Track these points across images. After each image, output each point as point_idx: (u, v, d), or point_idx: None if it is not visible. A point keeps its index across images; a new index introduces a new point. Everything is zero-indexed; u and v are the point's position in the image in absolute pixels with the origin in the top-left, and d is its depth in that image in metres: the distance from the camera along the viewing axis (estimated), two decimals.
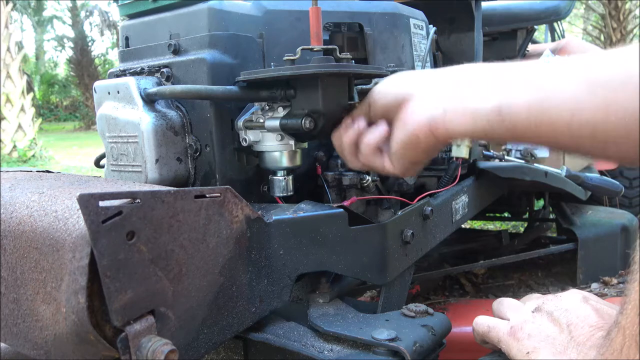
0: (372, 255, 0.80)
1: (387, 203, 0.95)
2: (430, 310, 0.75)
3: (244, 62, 0.83)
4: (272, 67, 0.85)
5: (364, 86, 0.82)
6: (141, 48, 0.90)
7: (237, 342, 0.76)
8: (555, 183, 1.44)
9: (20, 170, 0.79)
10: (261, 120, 0.79)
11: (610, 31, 10.02)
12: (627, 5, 10.00)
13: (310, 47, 0.74)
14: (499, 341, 0.65)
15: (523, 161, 1.39)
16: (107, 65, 19.35)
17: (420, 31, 1.09)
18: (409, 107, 0.64)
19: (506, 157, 1.36)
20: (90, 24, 19.70)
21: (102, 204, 0.48)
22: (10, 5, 8.94)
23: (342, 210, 0.76)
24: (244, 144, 0.81)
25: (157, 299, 0.53)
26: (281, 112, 0.78)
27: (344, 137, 0.73)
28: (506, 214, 2.28)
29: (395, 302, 0.87)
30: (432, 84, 0.63)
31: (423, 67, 1.06)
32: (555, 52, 2.10)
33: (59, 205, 0.56)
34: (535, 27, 2.17)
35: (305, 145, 0.83)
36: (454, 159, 1.05)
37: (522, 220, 2.29)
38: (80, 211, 0.47)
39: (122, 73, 0.90)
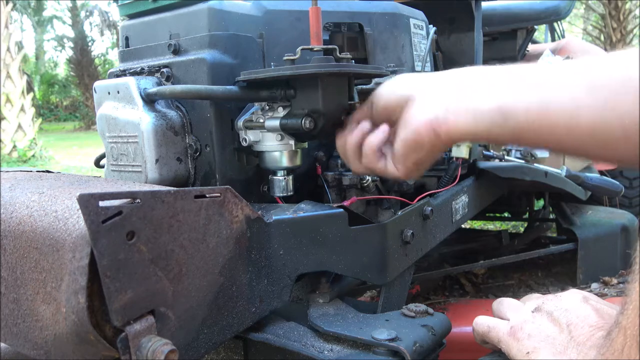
0: (372, 255, 0.80)
1: (387, 203, 0.95)
2: (430, 310, 0.75)
3: (244, 62, 0.83)
4: (272, 67, 0.85)
5: (364, 86, 0.82)
6: (141, 48, 0.90)
7: (237, 342, 0.76)
8: (555, 183, 1.44)
9: (20, 170, 0.79)
10: (261, 120, 0.79)
11: (610, 31, 10.03)
12: (627, 5, 10.00)
13: (310, 47, 0.74)
14: (499, 341, 0.65)
15: (523, 161, 1.39)
16: (107, 65, 19.35)
17: (420, 31, 1.09)
18: (411, 108, 0.64)
19: (506, 157, 1.36)
20: (90, 24, 19.71)
21: (102, 204, 0.48)
22: (10, 5, 8.94)
23: (342, 210, 0.76)
24: (244, 144, 0.81)
25: (157, 299, 0.53)
26: (281, 112, 0.78)
27: (347, 141, 0.73)
28: (506, 214, 2.28)
29: (395, 302, 0.87)
30: (435, 86, 0.64)
31: (423, 67, 1.06)
32: (555, 52, 2.10)
33: (59, 205, 0.56)
34: (535, 27, 2.17)
35: (305, 145, 0.83)
36: (454, 159, 1.05)
37: (522, 220, 2.29)
38: (80, 211, 0.47)
39: (122, 73, 0.90)
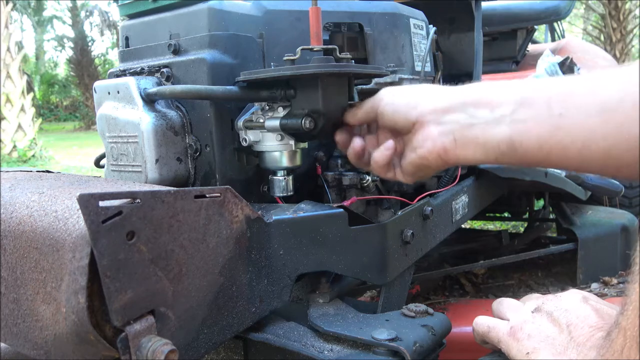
0: (372, 255, 0.80)
1: (387, 203, 0.95)
2: (430, 310, 0.75)
3: (244, 62, 0.83)
4: (272, 67, 0.85)
5: (364, 86, 0.82)
6: (141, 48, 0.90)
7: (237, 342, 0.76)
8: (555, 183, 1.44)
9: (20, 170, 0.79)
10: (261, 120, 0.79)
11: (610, 31, 10.02)
12: (627, 5, 10.00)
13: (310, 47, 0.74)
14: (499, 341, 0.65)
15: None
16: (107, 65, 19.35)
17: (420, 31, 1.09)
18: (420, 133, 0.66)
19: None
20: (90, 24, 19.71)
21: (102, 204, 0.48)
22: (10, 5, 8.94)
23: (342, 210, 0.76)
24: (244, 144, 0.81)
25: (157, 299, 0.53)
26: (281, 112, 0.78)
27: (353, 149, 0.75)
28: (506, 214, 2.28)
29: (395, 302, 0.87)
30: (444, 109, 0.64)
31: (423, 67, 1.06)
32: (555, 52, 2.10)
33: (59, 205, 0.56)
34: (535, 27, 2.17)
35: (305, 145, 0.83)
36: None
37: (522, 220, 2.29)
38: (80, 211, 0.47)
39: (122, 73, 0.90)
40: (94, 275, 0.48)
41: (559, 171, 1.47)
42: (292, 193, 0.83)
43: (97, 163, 1.03)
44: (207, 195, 0.59)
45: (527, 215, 2.07)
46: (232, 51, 0.81)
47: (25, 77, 9.14)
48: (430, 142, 0.64)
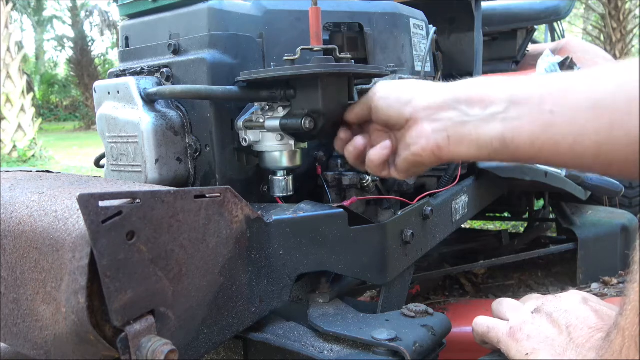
0: (372, 255, 0.80)
1: (387, 203, 0.95)
2: (430, 310, 0.75)
3: (244, 62, 0.83)
4: (272, 67, 0.85)
5: (364, 86, 0.82)
6: (141, 48, 0.90)
7: (237, 342, 0.76)
8: (555, 183, 1.44)
9: (20, 170, 0.79)
10: (261, 120, 0.79)
11: (610, 31, 10.02)
12: (627, 5, 10.00)
13: (310, 47, 0.74)
14: (499, 342, 0.65)
15: None
16: (107, 65, 19.34)
17: (420, 31, 1.09)
18: (414, 130, 0.66)
19: None
20: (90, 24, 19.70)
21: (102, 204, 0.48)
22: (10, 5, 8.94)
23: (342, 210, 0.76)
24: (244, 144, 0.81)
25: (157, 299, 0.53)
26: (281, 112, 0.78)
27: (350, 149, 0.75)
28: (506, 214, 2.28)
29: (395, 302, 0.87)
30: (437, 106, 0.64)
31: (423, 67, 1.06)
32: (555, 52, 2.10)
33: (59, 205, 0.56)
34: (535, 27, 2.17)
35: (305, 145, 0.83)
36: None
37: (522, 220, 2.29)
38: (80, 211, 0.47)
39: (122, 73, 0.90)
40: (94, 275, 0.48)
41: (559, 171, 1.47)
42: (292, 193, 0.83)
43: (97, 163, 1.03)
44: (207, 195, 0.59)
45: (527, 215, 2.07)
46: (232, 51, 0.81)
47: (25, 77, 9.13)
48: (424, 139, 0.64)
